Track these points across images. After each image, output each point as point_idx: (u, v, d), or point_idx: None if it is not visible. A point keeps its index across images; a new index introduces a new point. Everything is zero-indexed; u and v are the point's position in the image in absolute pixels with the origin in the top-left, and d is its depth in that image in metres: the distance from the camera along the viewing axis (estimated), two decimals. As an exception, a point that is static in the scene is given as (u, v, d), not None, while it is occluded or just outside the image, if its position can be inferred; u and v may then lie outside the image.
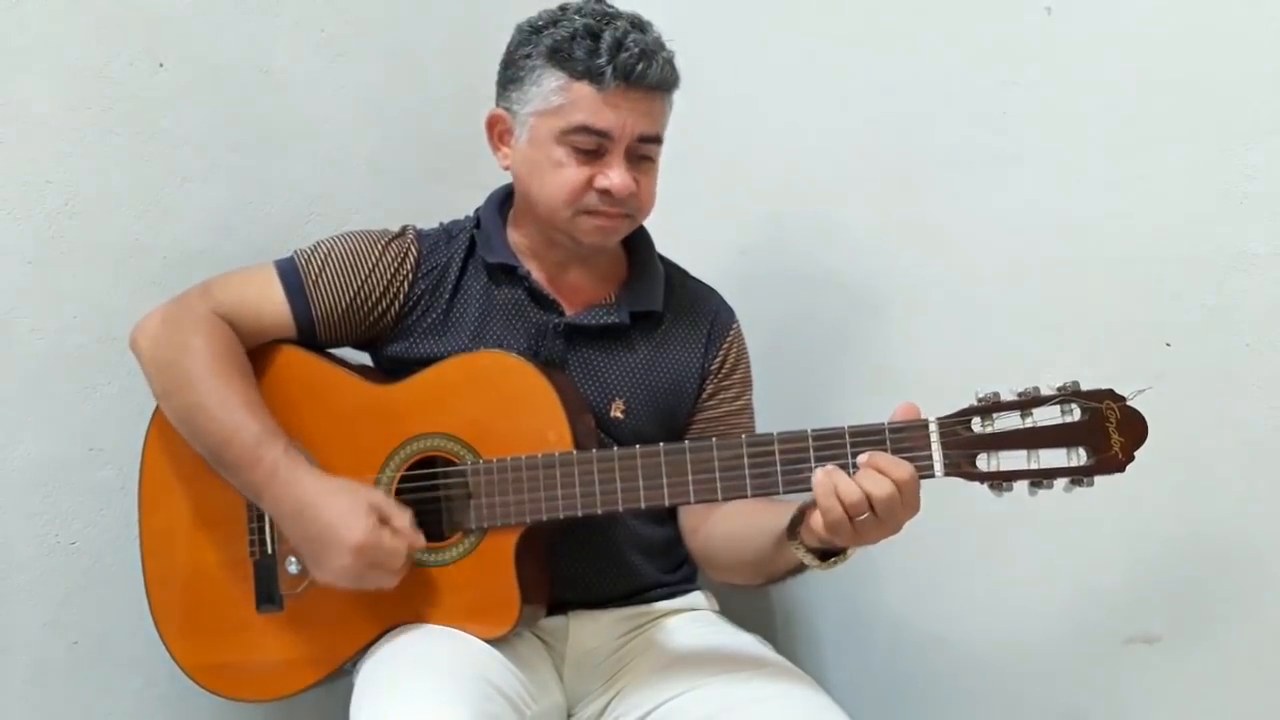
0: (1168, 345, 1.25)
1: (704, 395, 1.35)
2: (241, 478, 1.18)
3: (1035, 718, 1.39)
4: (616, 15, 1.22)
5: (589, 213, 1.23)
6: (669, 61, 1.23)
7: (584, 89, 1.19)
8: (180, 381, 1.20)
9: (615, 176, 1.21)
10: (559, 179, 1.22)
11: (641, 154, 1.24)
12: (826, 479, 1.03)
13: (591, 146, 1.21)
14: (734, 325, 1.38)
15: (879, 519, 1.03)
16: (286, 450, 1.16)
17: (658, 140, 1.25)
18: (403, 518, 1.15)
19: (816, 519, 1.04)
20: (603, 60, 1.17)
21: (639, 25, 1.22)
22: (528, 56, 1.22)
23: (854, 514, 1.02)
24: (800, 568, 1.13)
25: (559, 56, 1.19)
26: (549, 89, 1.20)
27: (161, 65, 1.41)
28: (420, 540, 1.15)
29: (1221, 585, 1.24)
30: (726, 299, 1.41)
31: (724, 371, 1.36)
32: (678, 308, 1.35)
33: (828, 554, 1.10)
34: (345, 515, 1.12)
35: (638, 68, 1.18)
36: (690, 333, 1.34)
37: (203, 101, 1.45)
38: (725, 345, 1.36)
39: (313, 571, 1.17)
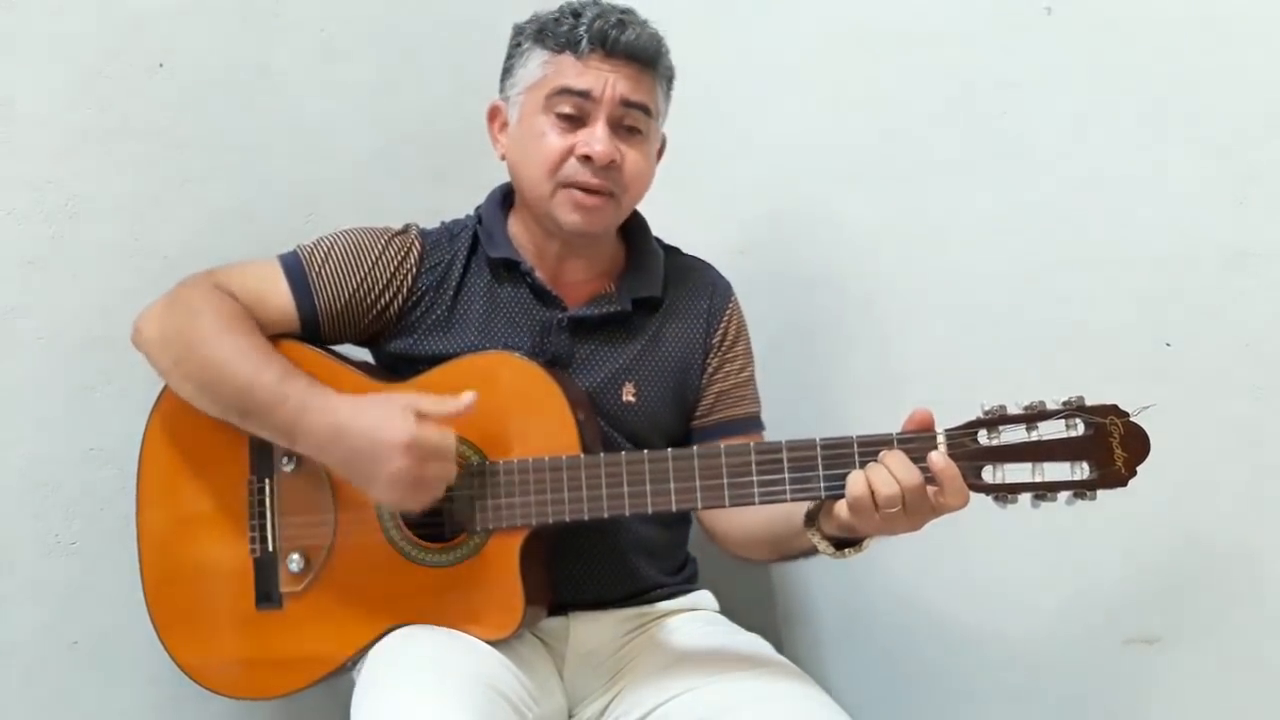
0: (1168, 345, 1.26)
1: (709, 369, 1.36)
2: (269, 420, 1.16)
3: (1035, 718, 1.39)
4: (604, 1, 1.27)
5: (568, 186, 1.23)
6: (653, 36, 1.26)
7: (565, 58, 1.23)
8: (192, 343, 1.19)
9: (596, 142, 1.21)
10: (541, 149, 1.23)
11: (628, 123, 1.25)
12: (859, 473, 1.04)
13: (573, 109, 1.23)
14: (732, 298, 1.40)
15: (906, 512, 1.03)
16: (310, 382, 1.16)
17: (645, 110, 1.25)
18: (438, 404, 1.13)
19: (841, 506, 1.05)
20: (581, 30, 1.22)
21: (625, 11, 1.26)
22: (518, 45, 1.29)
23: (883, 506, 1.03)
24: (814, 550, 1.14)
25: (543, 35, 1.25)
26: (534, 65, 1.26)
27: (161, 65, 1.41)
28: (462, 404, 1.12)
29: (1221, 585, 1.24)
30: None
31: (726, 344, 1.37)
32: (676, 287, 1.36)
33: (843, 543, 1.11)
34: (384, 420, 1.11)
35: (612, 34, 1.22)
36: (690, 308, 1.36)
37: (202, 101, 1.45)
38: (725, 318, 1.37)
39: (371, 493, 1.14)
